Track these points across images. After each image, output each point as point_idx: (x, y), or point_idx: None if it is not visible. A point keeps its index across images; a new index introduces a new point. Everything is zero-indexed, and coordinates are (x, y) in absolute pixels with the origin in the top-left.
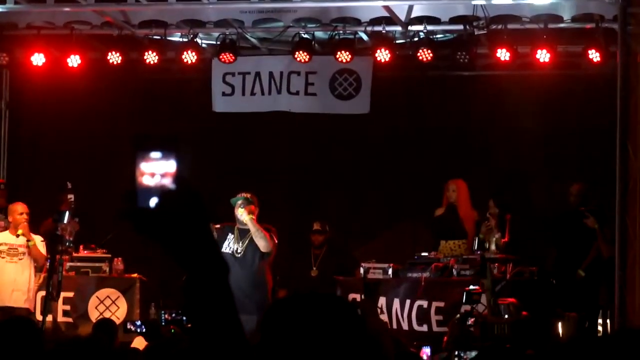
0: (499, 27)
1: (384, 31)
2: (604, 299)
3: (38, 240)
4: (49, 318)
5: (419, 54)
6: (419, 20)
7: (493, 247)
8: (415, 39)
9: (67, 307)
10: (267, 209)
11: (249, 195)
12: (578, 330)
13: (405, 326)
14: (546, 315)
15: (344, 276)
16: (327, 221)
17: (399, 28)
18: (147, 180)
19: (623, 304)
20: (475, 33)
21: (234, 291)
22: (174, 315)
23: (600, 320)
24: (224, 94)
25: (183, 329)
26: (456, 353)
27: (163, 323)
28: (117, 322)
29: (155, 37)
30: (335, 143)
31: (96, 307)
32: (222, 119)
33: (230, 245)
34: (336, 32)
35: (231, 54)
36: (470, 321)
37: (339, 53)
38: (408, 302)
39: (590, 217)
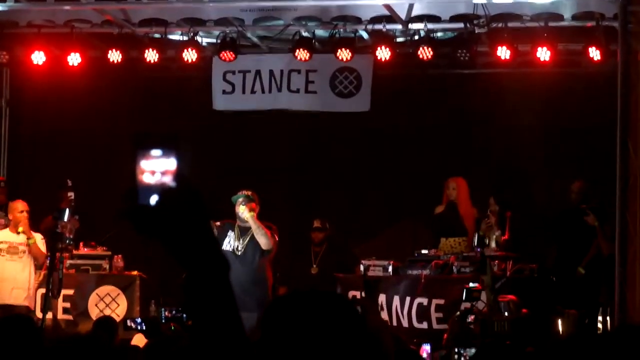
0: (500, 25)
1: (384, 29)
2: (604, 296)
3: (38, 238)
4: (49, 315)
5: (419, 53)
6: (420, 18)
7: (493, 244)
8: (416, 37)
9: (67, 305)
10: (267, 206)
11: (250, 193)
12: (578, 328)
13: (405, 323)
14: (546, 313)
15: (344, 274)
16: (327, 219)
17: (399, 26)
18: (147, 178)
19: (623, 301)
20: (476, 31)
21: (234, 288)
22: (174, 312)
23: (600, 318)
24: (224, 92)
25: (183, 327)
26: (456, 350)
27: (163, 320)
28: (117, 319)
29: (155, 35)
30: (336, 141)
31: (96, 305)
32: (223, 117)
33: (230, 242)
34: (336, 30)
35: (231, 52)
36: (470, 318)
37: (339, 51)
38: (408, 299)
39: (591, 214)
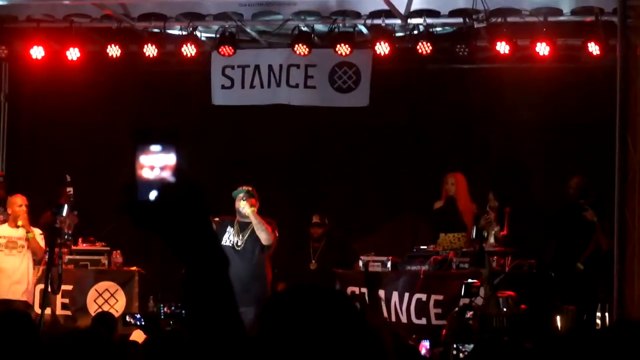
0: (499, 20)
1: (383, 24)
2: (603, 292)
3: (37, 233)
4: (48, 311)
5: (418, 47)
6: (419, 13)
7: (492, 240)
8: (415, 32)
9: (66, 300)
10: (266, 201)
11: (250, 188)
12: (576, 324)
13: (404, 319)
14: (545, 309)
15: (343, 269)
16: (326, 214)
17: (398, 21)
18: (146, 173)
19: (622, 297)
20: (475, 26)
21: (234, 284)
22: (173, 308)
23: (599, 314)
24: (223, 86)
25: (182, 322)
26: (455, 346)
27: (162, 316)
28: (116, 315)
29: (154, 30)
30: (335, 136)
31: (95, 300)
32: (222, 112)
33: (230, 238)
34: (336, 25)
35: (230, 47)
36: (469, 314)
37: (338, 46)
38: (407, 295)
39: (590, 209)
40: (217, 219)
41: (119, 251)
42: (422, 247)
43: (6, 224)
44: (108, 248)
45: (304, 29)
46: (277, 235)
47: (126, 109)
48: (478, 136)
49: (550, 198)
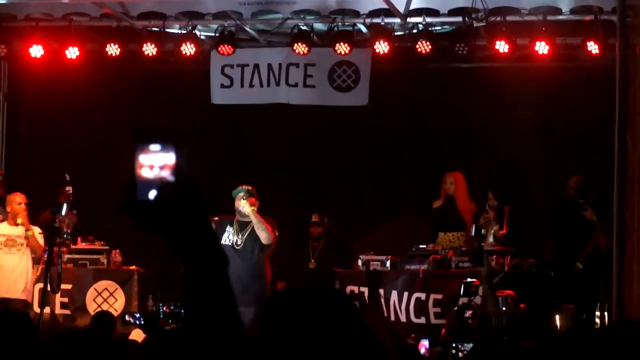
0: (498, 19)
1: (382, 23)
2: (602, 291)
3: (36, 232)
4: (47, 310)
5: (417, 46)
6: (418, 12)
7: (491, 239)
8: (414, 31)
9: (65, 300)
10: (265, 201)
11: (250, 188)
12: (576, 323)
13: (403, 318)
14: (544, 308)
15: (343, 268)
16: (326, 213)
17: (397, 20)
18: (146, 173)
19: (621, 296)
20: (474, 25)
21: (233, 283)
22: (172, 307)
23: (598, 313)
24: (222, 85)
25: (181, 322)
26: (454, 345)
27: (161, 316)
28: (115, 314)
29: (153, 29)
30: (334, 135)
31: (94, 300)
32: (221, 111)
33: (229, 237)
34: (335, 24)
35: (230, 46)
36: (468, 313)
37: (337, 45)
38: (406, 294)
39: (589, 209)
40: (216, 218)
41: (118, 250)
42: (421, 246)
43: (5, 222)
44: (107, 247)
45: (304, 27)
46: (277, 234)
47: (125, 107)
48: (477, 135)
49: (550, 197)
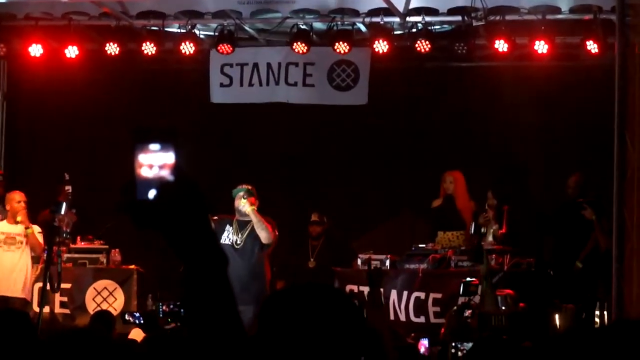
0: (497, 18)
1: (382, 22)
2: (602, 290)
3: (36, 231)
4: (46, 309)
5: (417, 45)
6: (417, 11)
7: (490, 238)
8: (414, 30)
9: (65, 299)
10: (265, 200)
11: (250, 187)
12: (575, 322)
13: (402, 317)
14: (543, 307)
15: (342, 267)
16: (325, 212)
17: (397, 19)
18: (145, 172)
19: (620, 296)
20: (474, 24)
21: (233, 282)
22: (172, 306)
23: (597, 312)
24: (221, 85)
25: (181, 321)
26: (453, 344)
27: (161, 315)
28: (114, 313)
29: (153, 28)
30: (334, 134)
31: (93, 299)
32: (220, 110)
33: (229, 236)
34: (334, 23)
35: (229, 45)
36: (468, 313)
37: (337, 44)
38: (405, 293)
39: (588, 208)
40: (215, 217)
41: (117, 249)
42: (420, 245)
43: (5, 220)
44: (107, 246)
45: (303, 27)
46: (277, 234)
47: (125, 107)
48: (477, 134)
49: (549, 196)
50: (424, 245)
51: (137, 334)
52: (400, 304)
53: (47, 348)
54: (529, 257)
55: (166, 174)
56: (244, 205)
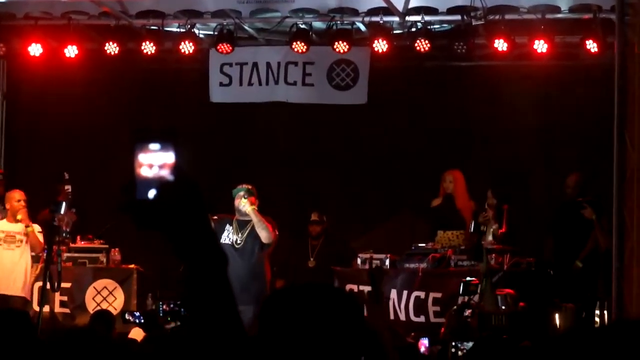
0: (497, 17)
1: (381, 21)
2: (602, 290)
3: (36, 230)
4: (46, 309)
5: (416, 45)
6: (417, 10)
7: (490, 237)
8: (413, 29)
9: (65, 298)
10: (265, 199)
11: (250, 187)
12: (575, 322)
13: (402, 317)
14: (543, 307)
15: (342, 267)
16: (325, 212)
17: (396, 18)
18: (145, 172)
19: (620, 295)
20: (473, 23)
21: (233, 282)
22: (172, 306)
23: (597, 312)
24: (221, 84)
25: (181, 320)
26: (453, 344)
27: (161, 314)
28: (114, 312)
29: (152, 27)
30: (333, 133)
31: (93, 298)
32: (220, 109)
33: (229, 236)
34: (334, 22)
35: (228, 45)
36: (468, 312)
37: (336, 43)
38: (405, 292)
39: (588, 207)
40: (215, 217)
41: (117, 249)
42: (420, 244)
43: (4, 219)
44: (106, 246)
45: (302, 26)
46: (278, 234)
47: (124, 106)
48: (476, 133)
49: (549, 196)
50: (423, 245)
51: (137, 334)
52: (400, 303)
53: (47, 347)
54: (529, 257)
55: (166, 173)
56: (245, 205)
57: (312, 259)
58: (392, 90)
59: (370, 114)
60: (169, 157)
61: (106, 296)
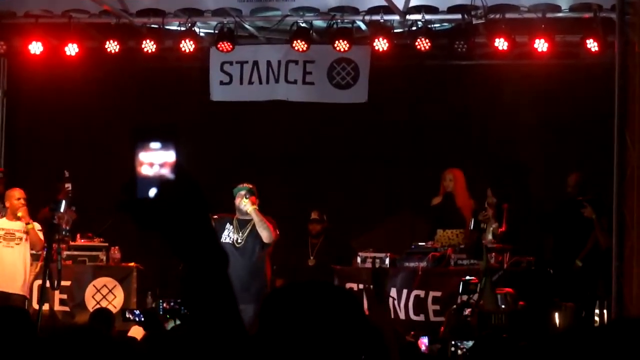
0: (497, 16)
1: (382, 20)
2: (602, 289)
3: (36, 228)
4: (46, 307)
5: (417, 44)
6: (417, 9)
7: (490, 236)
8: (414, 28)
9: (64, 296)
10: (265, 198)
11: (251, 186)
12: (575, 321)
13: (402, 316)
14: (543, 305)
15: (341, 265)
16: (325, 210)
17: (397, 17)
18: (146, 170)
19: (620, 294)
20: (474, 22)
21: (233, 281)
22: (172, 304)
23: (597, 311)
24: (221, 82)
25: (181, 319)
26: (453, 343)
27: (161, 312)
28: (114, 311)
29: (153, 25)
30: (334, 132)
31: (93, 296)
32: (220, 108)
33: (230, 235)
34: (334, 21)
35: (229, 43)
36: (467, 311)
37: (337, 42)
38: (405, 291)
39: (588, 206)
40: (215, 216)
41: (117, 247)
42: (420, 243)
43: (4, 217)
44: (106, 244)
45: (303, 25)
46: (278, 233)
47: (124, 104)
48: (476, 132)
49: (549, 194)
50: (423, 244)
51: (136, 332)
52: (399, 302)
53: (46, 345)
54: (528, 256)
55: (167, 172)
56: (246, 204)
57: (312, 258)
58: (393, 89)
59: (371, 113)
60: (170, 155)
61: (106, 294)
